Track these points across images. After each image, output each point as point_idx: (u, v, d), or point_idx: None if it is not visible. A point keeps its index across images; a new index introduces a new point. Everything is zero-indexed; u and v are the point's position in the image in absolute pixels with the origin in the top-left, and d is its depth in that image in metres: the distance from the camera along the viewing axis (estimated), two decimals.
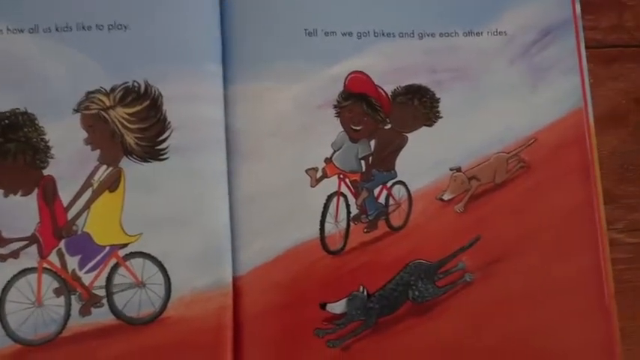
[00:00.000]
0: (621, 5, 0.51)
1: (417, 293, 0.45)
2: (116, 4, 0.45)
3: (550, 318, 0.45)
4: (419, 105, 0.47)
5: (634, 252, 0.49)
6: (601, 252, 0.47)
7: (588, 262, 0.46)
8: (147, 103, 0.44)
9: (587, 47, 0.49)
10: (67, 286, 0.43)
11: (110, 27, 0.44)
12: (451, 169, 0.47)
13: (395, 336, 0.44)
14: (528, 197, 0.47)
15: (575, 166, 0.48)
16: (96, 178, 0.44)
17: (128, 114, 0.44)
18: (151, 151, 0.44)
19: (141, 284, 0.43)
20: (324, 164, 0.46)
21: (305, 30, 0.46)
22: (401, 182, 0.47)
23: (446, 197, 0.46)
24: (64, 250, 0.43)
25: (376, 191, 0.47)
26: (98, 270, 0.43)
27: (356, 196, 0.46)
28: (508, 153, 0.47)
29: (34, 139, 0.43)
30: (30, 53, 0.44)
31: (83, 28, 0.44)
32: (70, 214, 0.43)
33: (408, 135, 0.47)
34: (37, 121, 0.43)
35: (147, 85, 0.44)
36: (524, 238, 0.46)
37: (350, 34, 0.47)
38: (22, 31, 0.44)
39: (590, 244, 0.47)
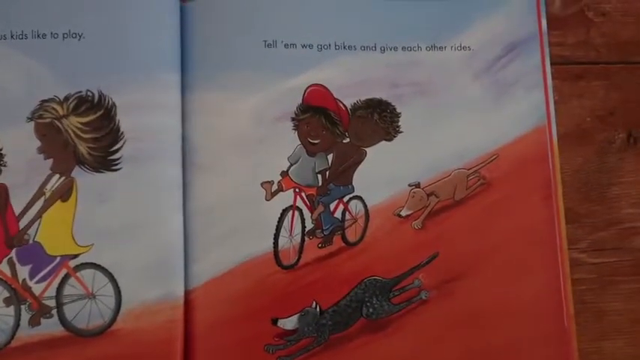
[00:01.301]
0: (588, 22, 0.52)
1: (371, 310, 0.45)
2: (71, 13, 0.45)
3: (507, 339, 0.45)
4: (379, 119, 0.47)
5: (596, 272, 0.49)
6: (561, 272, 0.47)
7: (548, 282, 0.47)
8: (100, 112, 0.44)
9: (552, 63, 0.50)
10: (17, 295, 0.43)
11: (65, 35, 0.44)
12: (410, 185, 0.47)
13: (347, 353, 0.44)
14: (488, 215, 0.47)
15: (537, 184, 0.48)
16: (48, 187, 0.44)
17: (81, 123, 0.44)
18: (104, 161, 0.44)
19: (91, 295, 0.43)
20: (280, 177, 0.46)
21: (264, 41, 0.46)
22: (358, 197, 0.47)
23: (404, 213, 0.46)
24: (15, 259, 0.43)
25: (332, 206, 0.47)
26: (49, 280, 0.43)
27: (311, 210, 0.46)
28: (468, 169, 0.47)
29: None
30: None
31: (38, 36, 0.44)
32: (22, 224, 0.43)
33: (366, 149, 0.47)
34: None
35: (100, 95, 0.44)
36: (482, 257, 0.47)
37: (310, 46, 0.47)
38: None
39: (550, 264, 0.47)
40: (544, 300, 0.46)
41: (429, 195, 0.47)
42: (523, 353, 0.45)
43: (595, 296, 0.49)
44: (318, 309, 0.44)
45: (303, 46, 0.47)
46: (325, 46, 0.47)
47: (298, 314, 0.44)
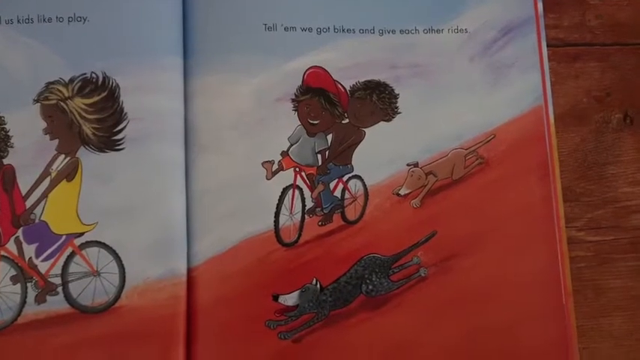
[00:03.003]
0: (584, 4, 0.52)
1: (370, 287, 0.45)
2: None
3: (505, 316, 0.46)
4: (377, 100, 0.48)
5: (594, 250, 0.49)
6: (559, 250, 0.47)
7: (546, 259, 0.47)
8: (104, 94, 0.45)
9: (549, 46, 0.50)
10: (23, 274, 0.44)
11: (70, 19, 0.45)
12: (408, 165, 0.47)
13: (347, 329, 0.45)
14: (486, 194, 0.48)
15: (534, 163, 0.48)
16: (54, 167, 0.44)
17: (86, 104, 0.45)
18: (108, 141, 0.45)
19: (96, 273, 0.44)
20: (280, 157, 0.46)
21: (264, 25, 0.47)
22: (357, 176, 0.47)
23: (402, 192, 0.47)
24: (21, 238, 0.44)
25: (332, 185, 0.47)
26: (54, 258, 0.44)
27: (311, 189, 0.47)
28: (466, 149, 0.48)
29: None
30: None
31: (44, 20, 0.45)
32: (28, 203, 0.44)
33: (365, 130, 0.48)
34: None
35: (105, 77, 0.45)
36: (480, 235, 0.47)
37: (310, 29, 0.48)
38: None
39: (547, 242, 0.47)
40: (542, 277, 0.46)
41: (427, 174, 0.47)
42: (521, 330, 0.46)
43: (593, 274, 0.49)
44: (318, 286, 0.45)
45: (303, 29, 0.48)
46: (324, 30, 0.48)
47: (299, 291, 0.45)
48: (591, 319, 0.48)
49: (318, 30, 0.48)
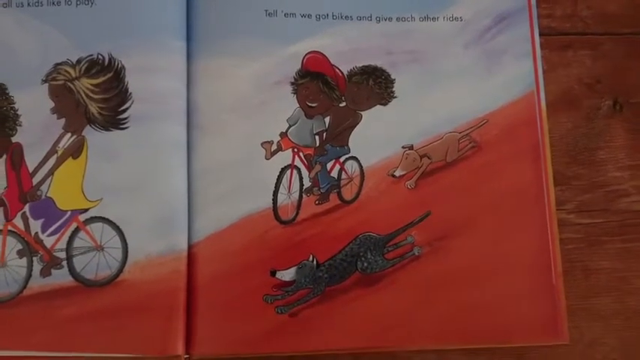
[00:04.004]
0: None
1: (365, 264, 0.46)
2: None
3: (497, 294, 0.46)
4: (374, 85, 0.49)
5: (583, 232, 0.50)
6: (549, 232, 0.48)
7: (536, 241, 0.48)
8: (110, 74, 0.46)
9: (541, 34, 0.51)
10: (29, 248, 0.45)
11: (78, 2, 0.47)
12: (403, 147, 0.48)
13: (342, 305, 0.46)
14: (478, 176, 0.48)
15: (526, 148, 0.49)
16: (60, 145, 0.46)
17: (92, 85, 0.46)
18: (113, 120, 0.46)
19: (99, 248, 0.45)
20: (279, 138, 0.47)
21: (265, 11, 0.48)
22: (354, 158, 0.48)
23: (397, 173, 0.48)
24: (28, 214, 0.45)
25: (329, 165, 0.48)
26: (59, 233, 0.45)
27: (309, 169, 0.48)
28: (460, 133, 0.49)
29: (4, 108, 0.46)
30: (2, 26, 0.46)
31: (53, 3, 0.47)
32: (35, 180, 0.46)
33: (362, 113, 0.49)
34: (7, 91, 0.46)
35: (110, 58, 0.46)
36: (473, 216, 0.48)
37: (309, 15, 0.49)
38: None
39: (538, 224, 0.48)
40: (533, 258, 0.47)
41: (421, 156, 0.48)
42: (512, 310, 0.46)
43: (582, 255, 0.50)
44: (314, 262, 0.46)
45: (302, 15, 0.49)
46: (323, 16, 0.49)
47: (296, 267, 0.46)
48: (580, 299, 0.49)
49: (317, 16, 0.49)
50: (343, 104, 0.49)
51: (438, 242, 0.47)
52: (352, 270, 0.46)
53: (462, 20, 0.50)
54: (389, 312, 0.46)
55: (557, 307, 0.47)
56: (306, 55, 0.49)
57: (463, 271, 0.47)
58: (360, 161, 0.48)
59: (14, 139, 0.45)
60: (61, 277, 0.45)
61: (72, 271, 0.45)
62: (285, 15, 0.49)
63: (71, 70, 0.46)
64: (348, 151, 0.48)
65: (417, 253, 0.47)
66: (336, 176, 0.48)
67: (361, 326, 0.46)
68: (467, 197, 0.48)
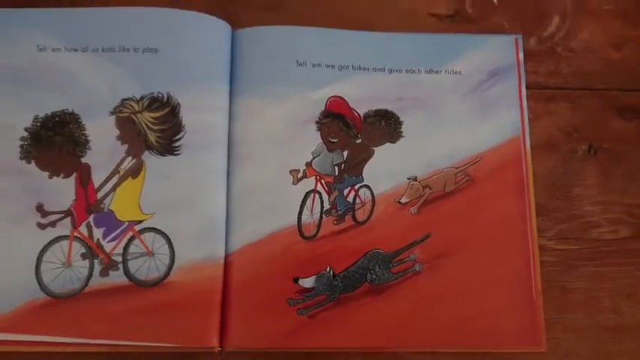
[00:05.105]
0: (558, 56, 0.57)
1: (374, 277, 0.50)
2: (149, 33, 0.52)
3: (485, 306, 0.50)
4: (385, 126, 0.53)
5: (561, 257, 0.53)
6: (531, 255, 0.51)
7: (520, 262, 0.51)
8: (167, 110, 0.51)
9: (528, 88, 0.55)
10: (91, 252, 0.49)
11: (144, 50, 0.52)
12: (409, 178, 0.52)
13: (353, 310, 0.49)
14: (472, 205, 0.52)
15: (513, 183, 0.53)
16: (122, 166, 0.50)
17: (152, 118, 0.51)
18: (168, 147, 0.51)
19: (151, 254, 0.49)
20: (304, 167, 0.52)
21: (296, 61, 0.54)
22: (367, 186, 0.52)
23: (403, 200, 0.52)
24: (92, 223, 0.50)
25: (346, 191, 0.52)
26: (117, 240, 0.50)
27: (329, 194, 0.52)
28: (457, 168, 0.53)
29: (77, 134, 0.51)
30: (80, 67, 0.52)
31: (123, 49, 0.52)
32: (100, 195, 0.50)
33: (374, 149, 0.53)
34: (80, 120, 0.51)
35: (168, 96, 0.51)
36: (467, 239, 0.51)
37: (333, 66, 0.54)
38: (76, 49, 0.52)
39: (522, 248, 0.51)
40: (517, 277, 0.50)
41: (424, 187, 0.52)
42: (498, 320, 0.49)
43: (559, 276, 0.52)
44: (331, 273, 0.50)
45: (327, 66, 0.54)
46: (344, 67, 0.54)
47: (315, 276, 0.49)
48: (557, 314, 0.51)
49: (339, 67, 0.54)
50: (359, 141, 0.53)
51: (436, 260, 0.51)
52: (363, 281, 0.50)
53: (460, 74, 0.55)
54: (393, 318, 0.49)
55: (537, 319, 0.50)
56: (329, 99, 0.53)
57: (457, 286, 0.50)
58: (372, 189, 0.52)
59: (84, 160, 0.50)
60: (117, 278, 0.49)
61: (127, 272, 0.49)
62: (313, 65, 0.53)
63: (135, 105, 0.51)
64: (362, 180, 0.52)
65: (418, 269, 0.50)
66: (351, 201, 0.52)
67: (369, 329, 0.49)
68: (462, 223, 0.52)
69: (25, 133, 0.51)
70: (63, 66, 0.52)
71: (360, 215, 0.52)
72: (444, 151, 0.53)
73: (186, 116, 0.52)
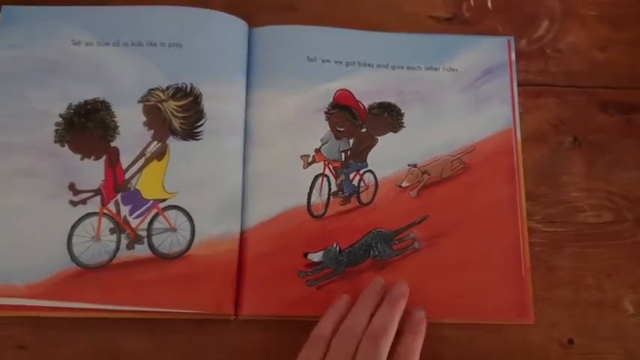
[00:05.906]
0: (547, 56, 0.60)
1: (376, 253, 0.53)
2: (174, 30, 0.56)
3: (478, 282, 0.52)
4: (388, 117, 0.56)
5: (548, 238, 0.55)
6: (521, 236, 0.53)
7: (511, 242, 0.53)
8: (191, 99, 0.54)
9: (519, 85, 0.58)
10: (119, 227, 0.52)
11: (170, 44, 0.55)
12: (409, 165, 0.55)
13: (358, 282, 0.52)
14: (467, 190, 0.55)
15: (504, 170, 0.55)
16: (148, 150, 0.53)
17: (177, 106, 0.54)
18: (190, 133, 0.53)
19: (173, 229, 0.52)
20: (314, 153, 0.54)
21: (307, 57, 0.57)
22: (370, 171, 0.55)
23: (404, 185, 0.55)
24: (119, 201, 0.52)
25: (351, 176, 0.55)
26: (143, 217, 0.52)
27: (336, 177, 0.54)
28: (453, 156, 0.55)
29: (107, 120, 0.54)
30: (111, 60, 0.55)
31: (151, 44, 0.55)
32: (127, 175, 0.53)
33: (378, 137, 0.56)
34: (110, 108, 0.54)
35: (192, 86, 0.54)
36: (461, 221, 0.54)
37: (341, 62, 0.57)
38: (107, 44, 0.56)
39: (512, 230, 0.54)
40: (508, 256, 0.53)
41: (422, 173, 0.55)
42: (491, 295, 0.52)
43: (547, 256, 0.54)
44: (337, 249, 0.52)
45: (335, 62, 0.57)
46: (351, 63, 0.57)
47: (323, 251, 0.52)
48: (545, 291, 0.53)
49: (347, 63, 0.57)
50: (364, 130, 0.56)
51: (433, 239, 0.53)
52: (366, 256, 0.52)
53: (457, 71, 0.58)
54: None
55: (526, 294, 0.52)
56: (337, 91, 0.56)
57: (452, 263, 0.52)
58: (375, 174, 0.55)
59: (113, 144, 0.53)
60: (142, 251, 0.51)
61: (151, 246, 0.51)
62: (323, 61, 0.56)
63: (161, 94, 0.54)
64: (367, 165, 0.55)
65: (416, 247, 0.53)
66: (356, 184, 0.54)
67: None
68: (457, 206, 0.54)
69: (60, 119, 0.54)
70: (95, 59, 0.55)
71: (365, 197, 0.55)
72: (442, 141, 0.56)
73: (207, 105, 0.54)
